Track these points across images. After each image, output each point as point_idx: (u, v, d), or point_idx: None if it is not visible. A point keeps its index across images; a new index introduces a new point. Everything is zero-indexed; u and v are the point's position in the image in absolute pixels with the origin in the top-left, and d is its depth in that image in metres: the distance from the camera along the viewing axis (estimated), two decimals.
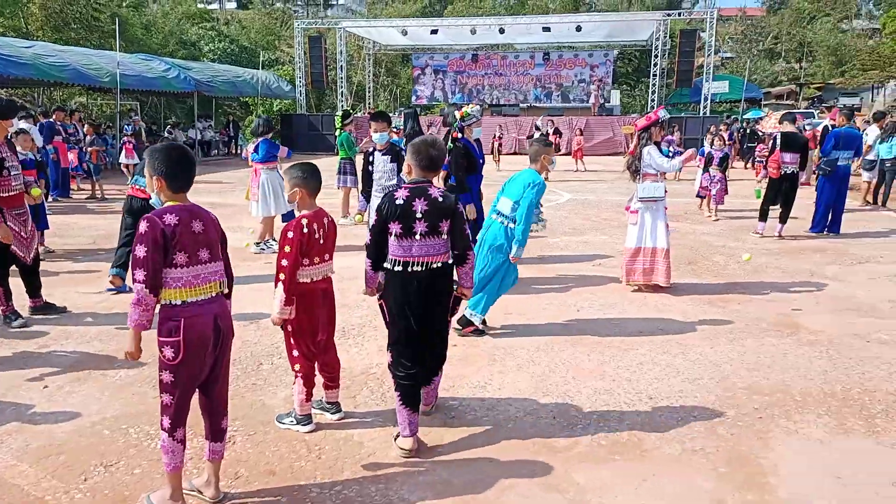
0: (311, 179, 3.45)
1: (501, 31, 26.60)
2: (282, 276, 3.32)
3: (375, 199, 6.24)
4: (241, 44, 39.85)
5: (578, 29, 25.67)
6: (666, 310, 5.88)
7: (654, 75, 25.57)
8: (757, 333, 5.26)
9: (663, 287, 6.37)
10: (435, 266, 3.36)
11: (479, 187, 6.79)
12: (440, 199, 3.32)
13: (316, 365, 3.67)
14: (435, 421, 3.79)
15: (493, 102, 30.72)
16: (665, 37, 27.13)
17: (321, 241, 3.47)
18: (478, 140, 6.76)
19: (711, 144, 11.24)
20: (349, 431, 3.68)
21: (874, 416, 3.85)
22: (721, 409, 3.93)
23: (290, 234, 3.32)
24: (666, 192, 6.29)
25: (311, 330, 3.54)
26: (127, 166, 17.14)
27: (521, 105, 30.15)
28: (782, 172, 8.79)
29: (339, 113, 10.26)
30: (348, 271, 6.20)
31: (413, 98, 32.17)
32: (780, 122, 9.43)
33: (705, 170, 10.92)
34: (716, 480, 3.18)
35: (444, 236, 3.36)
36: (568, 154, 21.58)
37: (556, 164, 5.83)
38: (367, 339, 5.14)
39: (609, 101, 30.19)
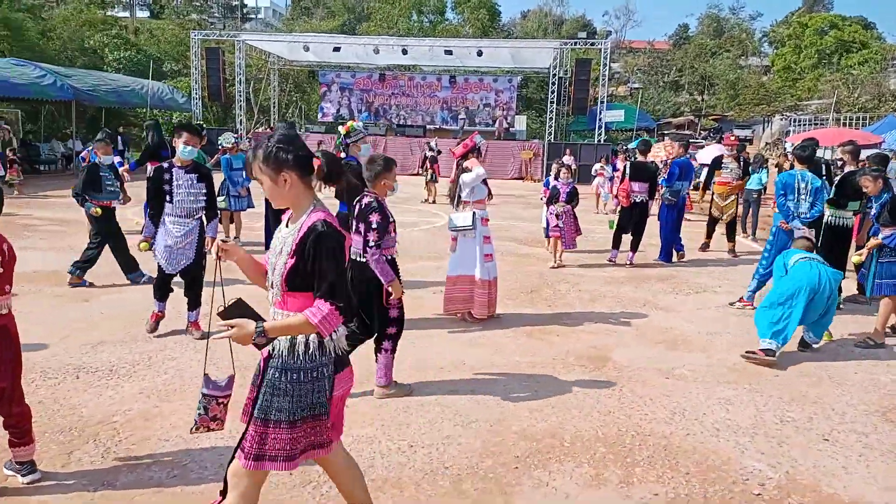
0: None
1: (405, 51, 26.49)
2: None
3: (176, 226, 5.54)
4: (149, 53, 38.21)
5: (479, 54, 25.84)
6: (478, 343, 5.62)
7: (552, 102, 25.99)
8: (559, 369, 5.05)
9: (487, 317, 6.14)
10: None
11: None
12: None
13: None
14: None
15: (400, 123, 30.59)
16: (565, 65, 27.74)
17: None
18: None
19: (556, 176, 9.25)
20: (40, 499, 3.16)
21: (636, 465, 3.65)
22: (479, 459, 3.64)
23: None
24: (485, 220, 6.07)
25: None
26: None
27: (427, 126, 30.10)
28: (632, 201, 8.83)
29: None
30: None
31: (319, 115, 31.63)
32: (636, 151, 9.50)
33: (549, 204, 9.01)
34: None
35: None
36: None
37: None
38: (130, 380, 4.59)
39: (514, 126, 30.59)
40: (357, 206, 4.33)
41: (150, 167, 8.85)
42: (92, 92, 21.21)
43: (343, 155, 5.80)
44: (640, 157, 9.04)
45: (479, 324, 6.15)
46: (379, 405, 4.30)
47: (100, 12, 44.14)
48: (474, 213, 5.91)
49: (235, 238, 9.56)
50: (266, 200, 7.27)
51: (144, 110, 25.55)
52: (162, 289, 5.53)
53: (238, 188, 9.13)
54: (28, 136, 23.48)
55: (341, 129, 5.85)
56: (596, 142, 24.82)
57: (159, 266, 5.47)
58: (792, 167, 7.14)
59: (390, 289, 4.27)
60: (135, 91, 23.73)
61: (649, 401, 4.53)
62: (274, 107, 32.30)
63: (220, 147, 9.17)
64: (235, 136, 9.34)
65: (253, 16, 76.29)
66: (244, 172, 9.17)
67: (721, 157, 10.18)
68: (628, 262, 9.03)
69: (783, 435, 4.06)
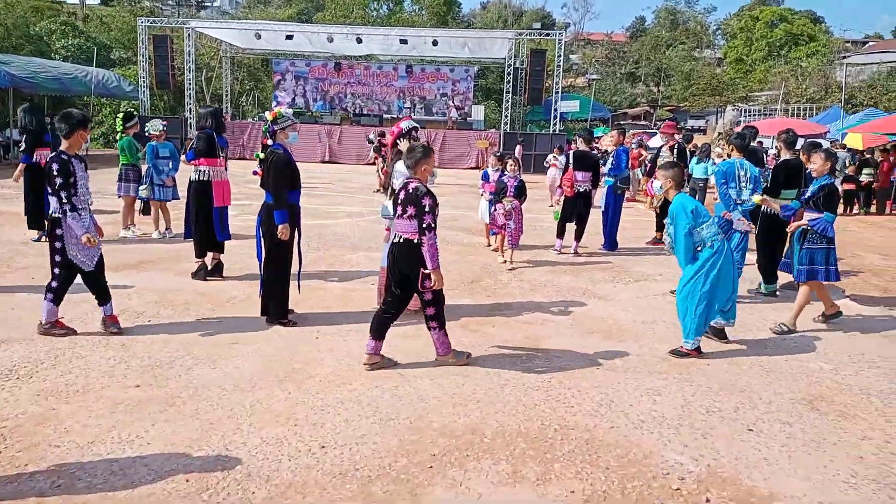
0: None
1: (359, 40, 26.03)
2: None
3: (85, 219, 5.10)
4: (98, 41, 36.83)
5: (435, 43, 25.57)
6: (410, 335, 5.44)
7: (508, 92, 25.90)
8: (490, 362, 4.91)
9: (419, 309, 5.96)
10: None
11: (299, 205, 5.76)
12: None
13: None
14: None
15: (356, 112, 30.16)
16: (521, 56, 27.68)
17: None
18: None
19: (503, 170, 8.44)
20: None
21: (555, 460, 3.53)
22: (393, 459, 3.47)
23: None
24: None
25: None
26: None
27: (384, 115, 29.73)
28: (576, 190, 8.75)
29: (121, 114, 9.20)
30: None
31: (273, 104, 30.89)
32: (579, 142, 9.38)
33: (496, 201, 8.20)
34: None
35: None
36: None
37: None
38: (30, 381, 4.28)
39: (471, 116, 30.43)
40: (403, 192, 4.50)
41: (39, 155, 8.41)
42: (31, 79, 20.33)
43: (270, 142, 5.54)
44: (582, 147, 8.95)
45: (414, 315, 5.97)
46: (294, 403, 4.10)
47: None
48: None
49: (167, 230, 9.19)
50: (189, 190, 7.00)
51: (89, 98, 24.65)
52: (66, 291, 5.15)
53: (163, 177, 8.75)
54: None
55: (268, 115, 5.57)
56: (551, 131, 24.84)
57: (71, 266, 5.06)
58: (730, 156, 7.11)
59: (433, 275, 4.45)
60: (78, 78, 22.86)
61: (577, 392, 4.42)
62: (227, 95, 31.49)
63: (147, 134, 8.76)
64: (164, 123, 8.90)
65: (209, 3, 74.39)
66: (170, 162, 8.80)
67: (662, 146, 10.20)
68: (573, 252, 8.96)
69: (708, 426, 3.98)
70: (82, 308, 5.75)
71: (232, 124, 25.96)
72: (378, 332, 4.67)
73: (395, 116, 29.52)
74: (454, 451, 3.57)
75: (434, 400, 4.21)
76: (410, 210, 4.44)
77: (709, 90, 42.21)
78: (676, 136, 10.55)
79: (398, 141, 5.72)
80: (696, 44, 60.13)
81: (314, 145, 26.21)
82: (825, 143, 12.59)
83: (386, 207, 5.79)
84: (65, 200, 4.84)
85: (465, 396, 4.29)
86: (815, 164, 5.99)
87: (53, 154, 5.00)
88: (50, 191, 4.93)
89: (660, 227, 10.23)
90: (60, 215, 4.90)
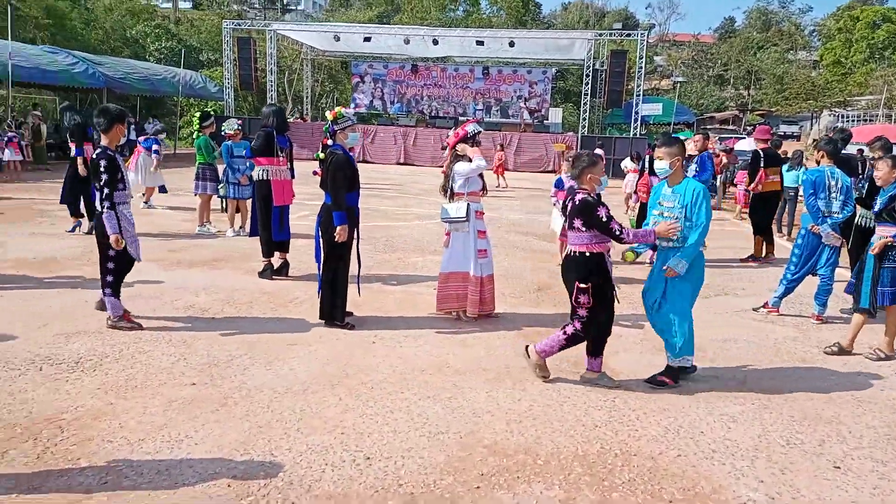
0: None
1: (435, 42, 26.13)
2: None
3: (129, 212, 5.20)
4: (188, 44, 38.70)
5: (511, 44, 25.33)
6: (468, 344, 5.27)
7: (586, 94, 25.33)
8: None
9: (481, 316, 5.79)
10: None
11: (358, 206, 5.68)
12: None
13: None
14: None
15: (432, 114, 30.28)
16: (601, 57, 27.03)
17: None
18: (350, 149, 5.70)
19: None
20: None
21: (614, 489, 3.27)
22: (439, 476, 3.31)
23: None
24: (480, 213, 5.72)
25: None
26: (11, 162, 16.13)
27: (459, 118, 29.73)
28: None
29: (198, 114, 9.48)
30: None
31: (352, 106, 31.47)
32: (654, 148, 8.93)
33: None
34: None
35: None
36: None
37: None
38: (93, 373, 4.37)
39: (548, 119, 29.98)
40: (570, 203, 4.36)
41: (88, 150, 8.93)
42: (123, 80, 21.44)
43: (330, 142, 5.50)
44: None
45: (476, 323, 5.81)
46: (345, 409, 4.00)
47: (141, 1, 44.80)
48: (468, 204, 5.55)
49: (241, 228, 9.38)
50: (253, 189, 7.08)
51: (177, 99, 25.80)
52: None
53: (238, 175, 8.93)
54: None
55: (329, 115, 5.53)
56: (631, 135, 24.11)
57: (123, 257, 5.18)
58: (818, 163, 6.55)
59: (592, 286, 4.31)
60: (166, 79, 23.95)
61: (642, 415, 4.12)
62: (307, 97, 32.31)
63: (223, 133, 8.96)
64: (238, 122, 9.08)
65: (293, 6, 76.76)
66: (246, 161, 8.97)
67: (757, 152, 9.56)
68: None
69: (788, 460, 3.61)
70: (151, 304, 5.89)
71: (311, 125, 26.59)
72: (594, 351, 4.55)
73: (470, 119, 29.49)
74: (504, 472, 3.37)
75: (487, 415, 4.02)
76: (578, 222, 4.27)
77: (803, 94, 40.01)
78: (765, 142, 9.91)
79: (463, 144, 5.55)
80: (790, 45, 57.26)
81: (390, 147, 26.46)
82: None
83: (446, 210, 5.64)
84: (106, 195, 4.95)
85: (520, 413, 4.07)
86: (881, 171, 5.39)
87: (99, 150, 5.08)
88: (97, 185, 5.03)
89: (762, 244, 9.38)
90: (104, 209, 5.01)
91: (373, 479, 3.25)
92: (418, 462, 3.44)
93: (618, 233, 4.25)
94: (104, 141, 5.10)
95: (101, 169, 4.97)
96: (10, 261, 7.37)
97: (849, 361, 5.27)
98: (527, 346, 4.62)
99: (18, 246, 8.14)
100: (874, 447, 3.81)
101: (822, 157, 6.47)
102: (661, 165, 4.51)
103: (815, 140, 34.53)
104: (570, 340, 4.43)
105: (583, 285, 4.27)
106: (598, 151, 16.40)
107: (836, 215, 6.17)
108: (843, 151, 7.64)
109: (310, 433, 3.69)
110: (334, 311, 5.49)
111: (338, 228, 5.28)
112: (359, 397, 4.19)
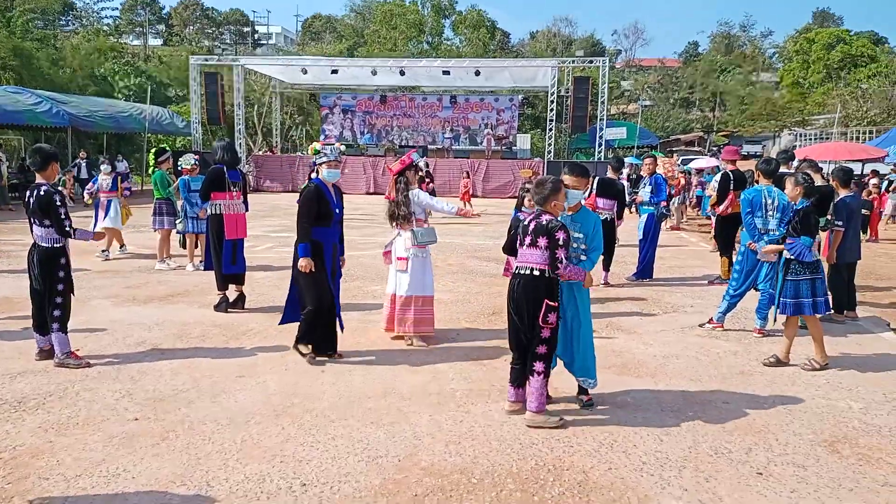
0: None
1: (402, 72, 26.50)
2: None
3: None
4: (158, 80, 38.75)
5: (477, 73, 25.79)
6: (415, 370, 5.35)
7: (551, 120, 25.81)
8: (495, 396, 4.76)
9: (427, 336, 5.93)
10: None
11: (334, 240, 5.57)
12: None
13: None
14: None
15: (402, 143, 30.56)
16: (566, 84, 27.61)
17: None
18: (336, 186, 5.62)
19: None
20: None
21: (543, 503, 3.36)
22: (373, 499, 3.37)
23: None
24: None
25: None
26: None
27: (429, 146, 30.05)
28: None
29: (154, 150, 9.54)
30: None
31: (322, 137, 31.67)
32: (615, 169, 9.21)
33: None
34: None
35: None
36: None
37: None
38: (35, 412, 4.37)
39: (516, 145, 30.43)
40: (534, 222, 4.35)
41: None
42: (88, 118, 21.42)
43: (314, 175, 5.67)
44: (610, 174, 8.77)
45: (426, 347, 5.90)
46: (286, 438, 4.05)
47: (111, 39, 44.92)
48: (433, 228, 5.80)
49: (201, 262, 9.40)
50: (208, 223, 7.17)
51: (144, 134, 25.79)
52: None
53: (196, 210, 8.97)
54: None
55: (310, 150, 5.77)
56: (595, 159, 24.55)
57: (71, 290, 5.32)
58: (756, 182, 6.81)
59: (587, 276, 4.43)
60: (132, 116, 23.96)
61: (580, 431, 4.23)
62: (276, 129, 32.47)
63: (180, 168, 9.03)
64: (196, 157, 9.16)
65: (264, 41, 77.34)
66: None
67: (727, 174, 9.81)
68: (603, 283, 8.73)
69: (714, 469, 3.74)
70: (102, 341, 5.90)
71: (281, 158, 26.68)
72: (517, 382, 4.48)
73: (440, 147, 29.80)
74: (438, 492, 3.45)
75: (428, 437, 4.10)
76: (542, 241, 4.24)
77: (765, 114, 41.12)
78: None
79: (406, 172, 5.73)
80: (753, 68, 58.87)
81: (359, 176, 26.63)
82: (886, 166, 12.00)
83: (422, 235, 5.76)
84: (69, 225, 5.14)
85: (460, 434, 4.16)
86: (787, 190, 5.69)
87: (46, 188, 5.15)
88: (48, 222, 5.10)
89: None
90: (63, 242, 5.19)
91: None
92: (354, 486, 3.50)
93: (558, 261, 4.22)
94: (40, 179, 5.19)
95: (58, 203, 5.08)
96: None
97: (785, 372, 5.45)
98: (526, 424, 4.31)
99: None
100: (797, 453, 3.96)
101: (759, 176, 6.73)
102: (576, 194, 4.59)
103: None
104: (546, 371, 4.35)
105: (552, 303, 4.26)
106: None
107: (773, 232, 6.41)
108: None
109: (248, 462, 3.74)
110: (302, 332, 5.51)
111: (300, 261, 5.28)
112: (301, 426, 4.25)
